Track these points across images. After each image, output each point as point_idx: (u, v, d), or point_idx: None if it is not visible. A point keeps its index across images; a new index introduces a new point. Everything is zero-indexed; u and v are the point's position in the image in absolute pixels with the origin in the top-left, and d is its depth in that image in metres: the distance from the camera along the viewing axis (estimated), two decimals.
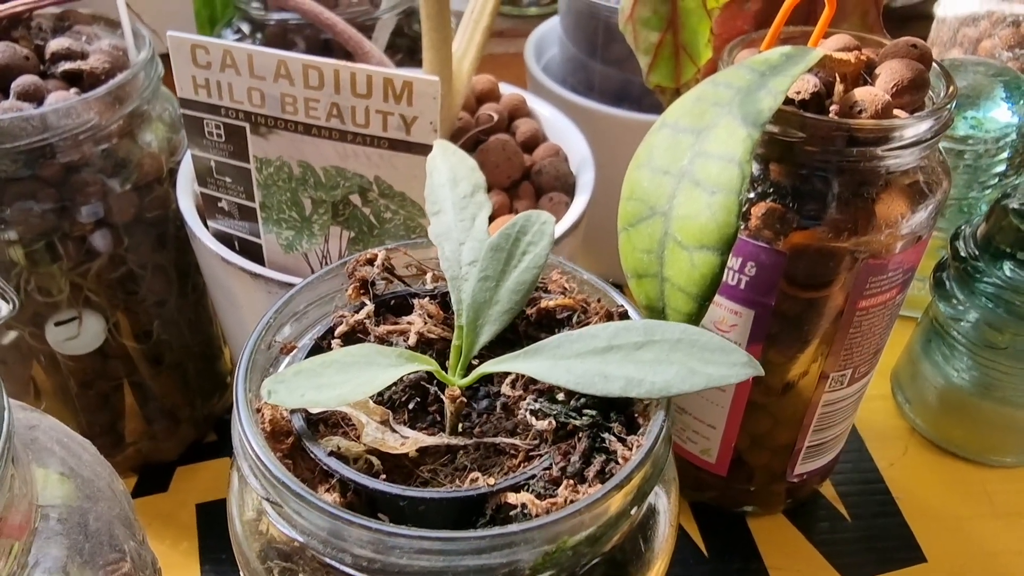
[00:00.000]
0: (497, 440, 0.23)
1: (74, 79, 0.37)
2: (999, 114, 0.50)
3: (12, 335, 0.40)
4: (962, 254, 0.44)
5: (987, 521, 0.44)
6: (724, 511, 0.44)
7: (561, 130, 0.43)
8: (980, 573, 0.42)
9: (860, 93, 0.32)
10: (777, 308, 0.35)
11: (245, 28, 0.51)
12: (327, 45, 0.48)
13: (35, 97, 0.36)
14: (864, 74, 0.33)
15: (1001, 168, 0.51)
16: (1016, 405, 0.44)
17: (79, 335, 0.40)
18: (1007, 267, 0.42)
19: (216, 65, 0.31)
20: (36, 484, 0.27)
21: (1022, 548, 0.43)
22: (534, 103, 0.44)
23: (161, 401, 0.44)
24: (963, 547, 0.43)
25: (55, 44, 0.38)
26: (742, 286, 0.36)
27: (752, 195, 0.34)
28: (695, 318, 0.25)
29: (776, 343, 0.37)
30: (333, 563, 0.21)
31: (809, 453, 0.41)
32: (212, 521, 0.44)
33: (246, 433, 0.22)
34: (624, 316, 0.26)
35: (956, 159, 0.51)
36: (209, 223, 0.37)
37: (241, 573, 0.26)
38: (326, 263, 0.35)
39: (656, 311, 0.26)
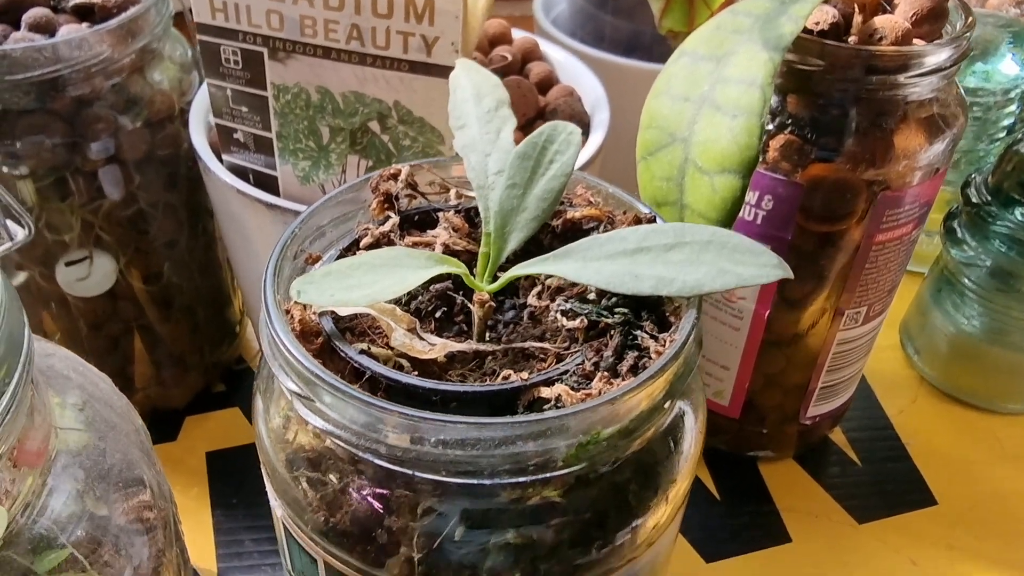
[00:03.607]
0: (526, 345, 0.23)
1: (85, 14, 0.37)
2: (1007, 67, 0.50)
3: (22, 276, 0.40)
4: (974, 200, 0.44)
5: (997, 464, 0.44)
6: (736, 456, 0.44)
7: (574, 73, 0.42)
8: (990, 514, 0.42)
9: (880, 21, 0.32)
10: (793, 243, 0.35)
11: None
12: None
13: (47, 29, 0.36)
14: (884, 3, 0.33)
15: (1009, 121, 0.51)
16: None
17: (90, 275, 0.40)
18: (1019, 211, 0.42)
19: None
20: (53, 411, 0.27)
21: None
22: (547, 47, 0.44)
23: (170, 346, 0.44)
24: (973, 489, 0.43)
25: None
26: (758, 221, 0.35)
27: (770, 127, 0.34)
28: None
29: (792, 279, 0.36)
30: (366, 456, 0.21)
31: (822, 394, 0.41)
32: (222, 468, 0.44)
33: (276, 331, 0.22)
34: (652, 223, 0.25)
35: None
36: (224, 157, 0.36)
37: (267, 485, 0.25)
38: None
39: None
